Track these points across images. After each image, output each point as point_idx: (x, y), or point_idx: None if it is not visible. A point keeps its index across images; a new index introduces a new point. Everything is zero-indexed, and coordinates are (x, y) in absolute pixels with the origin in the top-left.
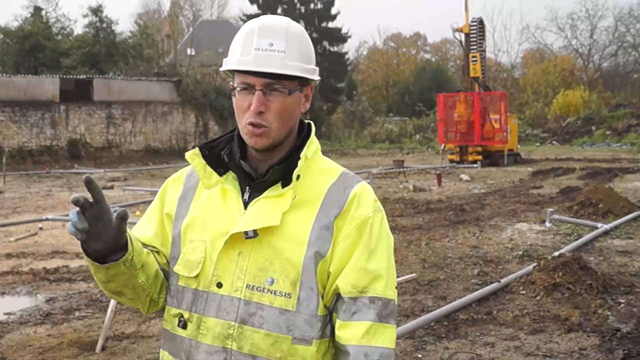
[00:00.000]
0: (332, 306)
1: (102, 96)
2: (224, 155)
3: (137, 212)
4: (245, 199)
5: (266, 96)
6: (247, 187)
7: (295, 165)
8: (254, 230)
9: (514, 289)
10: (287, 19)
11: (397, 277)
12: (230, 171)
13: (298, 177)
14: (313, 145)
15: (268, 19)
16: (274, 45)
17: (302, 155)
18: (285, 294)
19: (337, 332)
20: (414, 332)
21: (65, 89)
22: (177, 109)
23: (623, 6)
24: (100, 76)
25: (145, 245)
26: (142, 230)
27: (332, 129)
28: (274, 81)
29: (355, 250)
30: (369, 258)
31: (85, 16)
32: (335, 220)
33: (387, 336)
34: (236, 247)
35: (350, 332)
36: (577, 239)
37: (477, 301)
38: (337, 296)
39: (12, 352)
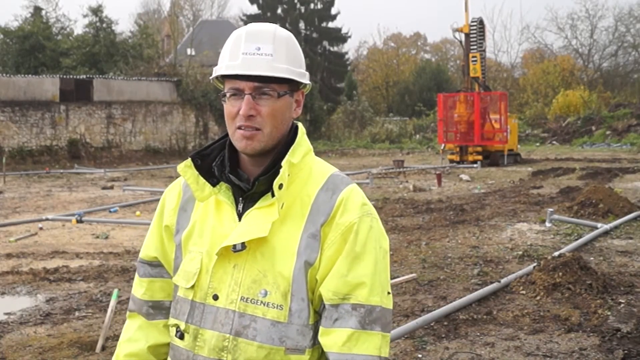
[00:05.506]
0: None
1: (102, 96)
2: (214, 167)
3: (138, 212)
4: (239, 210)
5: (255, 100)
6: (241, 198)
7: (278, 175)
8: (242, 243)
9: (514, 289)
10: (275, 25)
11: (397, 277)
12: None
13: (280, 186)
14: (301, 148)
15: (255, 25)
16: (261, 49)
17: (284, 163)
18: (277, 305)
19: (319, 338)
20: (414, 332)
21: (65, 89)
22: (177, 109)
23: (623, 6)
24: (100, 76)
25: (151, 263)
26: (147, 249)
27: (332, 129)
28: (262, 84)
29: (339, 257)
30: (351, 264)
31: (85, 16)
32: (322, 227)
33: (371, 344)
34: (231, 260)
35: (332, 339)
36: (577, 239)
37: (477, 301)
38: (322, 303)
39: (12, 352)
